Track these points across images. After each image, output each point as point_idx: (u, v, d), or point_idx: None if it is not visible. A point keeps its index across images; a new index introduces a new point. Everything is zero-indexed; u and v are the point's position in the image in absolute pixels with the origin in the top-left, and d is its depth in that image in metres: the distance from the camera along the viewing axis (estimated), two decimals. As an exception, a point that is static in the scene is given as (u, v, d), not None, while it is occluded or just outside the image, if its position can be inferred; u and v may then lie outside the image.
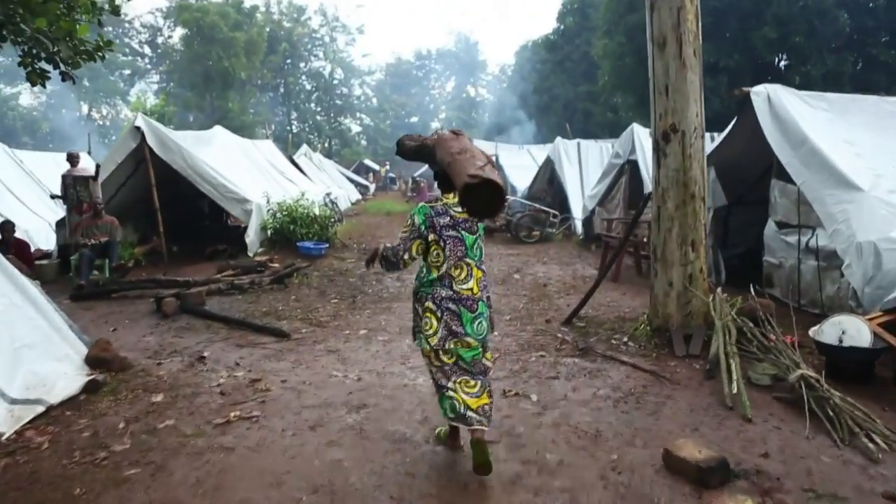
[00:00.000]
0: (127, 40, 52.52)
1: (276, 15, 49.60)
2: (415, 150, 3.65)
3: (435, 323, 3.33)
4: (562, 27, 40.62)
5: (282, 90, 50.44)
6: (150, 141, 10.54)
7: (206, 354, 5.73)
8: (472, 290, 3.39)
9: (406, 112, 65.56)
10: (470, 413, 3.34)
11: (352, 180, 35.29)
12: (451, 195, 3.37)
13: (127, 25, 52.00)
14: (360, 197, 29.81)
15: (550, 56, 39.84)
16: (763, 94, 7.27)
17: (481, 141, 27.41)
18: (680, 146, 5.46)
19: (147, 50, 50.77)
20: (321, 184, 22.92)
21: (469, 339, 3.36)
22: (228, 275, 9.15)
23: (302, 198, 11.68)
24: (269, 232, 11.05)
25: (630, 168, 11.23)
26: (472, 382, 3.44)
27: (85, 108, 50.41)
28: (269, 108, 48.78)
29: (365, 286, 8.85)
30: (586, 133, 26.40)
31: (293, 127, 53.36)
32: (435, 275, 3.35)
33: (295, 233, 10.77)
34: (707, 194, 6.18)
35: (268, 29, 47.87)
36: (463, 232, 3.37)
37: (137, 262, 10.85)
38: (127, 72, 50.82)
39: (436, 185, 3.58)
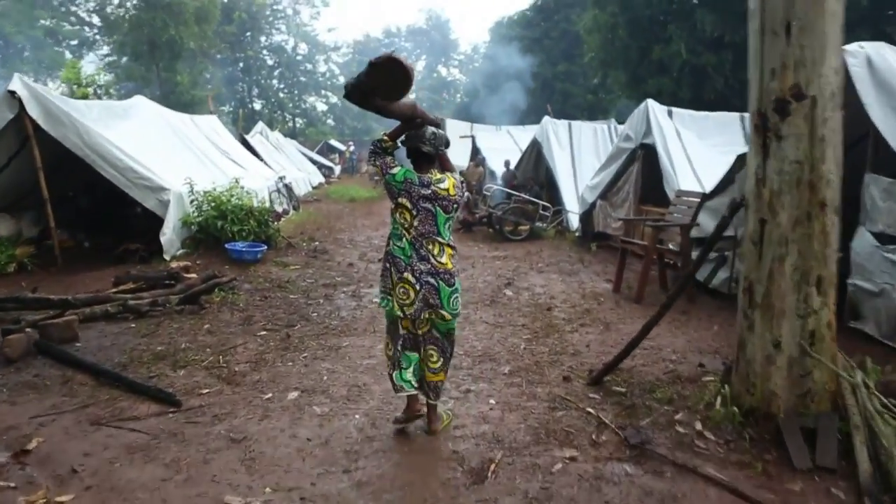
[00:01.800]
0: (74, 8, 48.80)
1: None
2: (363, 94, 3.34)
3: (413, 294, 3.48)
4: (539, 2, 38.44)
5: (241, 65, 47.21)
6: (33, 111, 8.13)
7: (32, 446, 3.52)
8: (446, 265, 3.56)
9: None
10: (426, 387, 3.69)
11: (315, 162, 32.74)
12: (433, 172, 3.58)
13: (76, -6, 48.30)
14: (322, 180, 27.33)
15: (527, 33, 37.65)
16: (861, 57, 5.20)
17: (454, 120, 25.18)
18: (807, 123, 3.30)
19: (96, 20, 47.06)
20: (277, 166, 20.45)
21: (444, 313, 3.55)
22: (125, 290, 6.84)
23: (235, 185, 9.33)
24: (192, 228, 8.71)
25: (644, 154, 9.16)
26: (436, 358, 3.68)
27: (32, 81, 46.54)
28: (226, 83, 45.62)
29: (309, 307, 6.63)
30: (565, 115, 24.31)
31: (254, 104, 50.28)
32: (407, 241, 3.50)
33: (224, 231, 8.45)
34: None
35: (225, 0, 44.69)
36: (438, 209, 3.51)
37: (21, 266, 8.45)
38: (74, 42, 47.16)
39: (409, 163, 3.65)
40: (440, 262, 3.53)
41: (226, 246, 8.15)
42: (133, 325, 5.91)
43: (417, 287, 3.47)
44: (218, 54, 45.96)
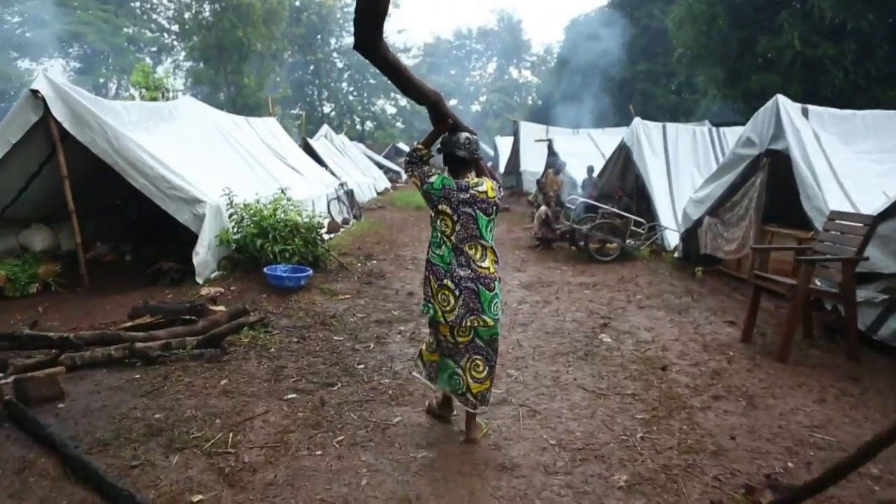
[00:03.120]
0: (155, 16, 50.04)
1: (307, -13, 46.16)
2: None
3: (453, 300, 3.49)
4: (619, -2, 36.34)
5: (311, 68, 47.01)
6: (58, 112, 7.20)
7: None
8: (489, 269, 3.55)
9: (445, 93, 61.14)
10: (470, 396, 3.61)
11: (382, 166, 31.82)
12: (469, 176, 3.63)
13: (155, 1, 49.50)
14: (388, 185, 26.28)
15: (605, 31, 35.55)
16: None
17: (528, 123, 23.62)
18: None
19: (176, 28, 47.90)
20: (340, 170, 19.47)
21: (486, 318, 3.52)
22: (140, 325, 5.71)
23: (281, 197, 8.14)
24: (232, 246, 7.56)
25: (771, 162, 7.40)
26: (482, 367, 3.63)
27: (113, 87, 47.96)
28: (296, 86, 45.52)
29: (355, 354, 5.29)
30: (646, 116, 22.28)
31: (324, 107, 50.09)
32: (447, 247, 3.54)
33: (264, 251, 7.25)
34: None
35: (297, 2, 44.54)
36: (479, 212, 3.52)
37: (46, 286, 7.54)
38: (154, 48, 48.27)
39: (445, 168, 3.69)
40: (481, 267, 3.55)
41: (265, 270, 6.94)
42: (137, 376, 4.73)
43: (457, 293, 3.51)
44: (289, 57, 45.97)
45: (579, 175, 15.14)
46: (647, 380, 4.72)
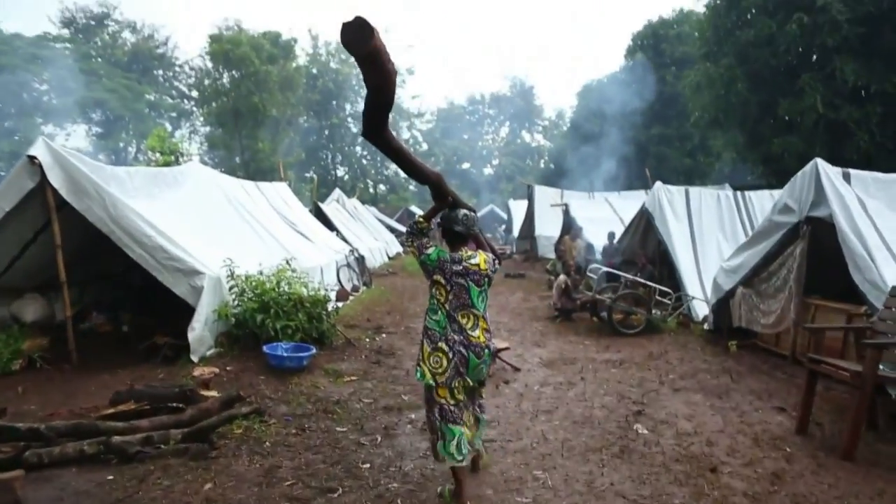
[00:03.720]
0: (177, 83, 51.41)
1: (324, 56, 47.31)
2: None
3: (445, 363, 3.74)
4: (631, 64, 36.73)
5: (326, 133, 47.65)
6: (55, 180, 6.86)
7: None
8: (479, 337, 3.82)
9: (458, 157, 62.32)
10: (472, 447, 3.94)
11: (394, 230, 31.58)
12: (464, 249, 3.90)
13: (177, 69, 50.95)
14: (401, 250, 25.90)
15: (618, 96, 35.82)
16: None
17: (542, 187, 23.36)
18: None
19: (195, 94, 49.07)
20: (351, 235, 19.13)
21: (468, 379, 3.80)
22: (123, 412, 5.15)
23: (285, 269, 7.67)
24: (231, 321, 7.05)
25: (811, 231, 6.87)
26: (468, 416, 3.93)
27: (132, 151, 48.77)
28: (310, 150, 46.03)
29: (360, 450, 4.67)
30: (661, 179, 21.95)
31: (337, 171, 50.51)
32: (443, 314, 3.79)
33: (265, 327, 6.72)
34: None
35: (314, 70, 45.53)
36: (471, 283, 3.81)
37: (30, 362, 7.03)
38: (174, 114, 49.36)
39: (443, 241, 4.03)
40: (472, 336, 3.79)
41: (264, 349, 6.39)
42: (110, 478, 4.15)
43: (450, 355, 3.73)
44: (304, 122, 46.69)
45: (596, 240, 14.67)
46: (695, 485, 4.06)
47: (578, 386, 6.42)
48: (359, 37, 2.53)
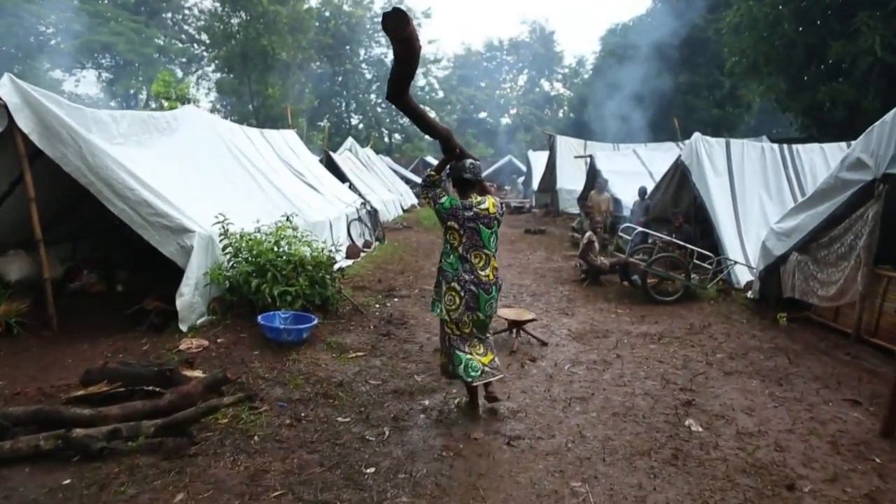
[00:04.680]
0: (186, 27, 49.78)
1: (337, -1, 45.41)
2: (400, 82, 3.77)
3: (458, 300, 4.20)
4: (658, 6, 34.83)
5: (339, 79, 46.14)
6: (24, 123, 6.06)
7: None
8: (489, 276, 4.25)
9: (475, 106, 60.60)
10: (486, 369, 4.35)
11: (409, 181, 30.63)
12: (474, 196, 4.29)
13: (186, 12, 49.24)
14: (415, 202, 25.03)
15: (644, 41, 34.01)
16: None
17: (565, 137, 22.22)
18: None
19: (205, 38, 47.42)
20: (364, 186, 18.29)
21: (480, 314, 4.26)
22: (92, 394, 4.48)
23: (285, 226, 6.85)
24: (224, 285, 6.31)
25: (889, 190, 5.94)
26: (481, 348, 4.39)
27: (143, 97, 47.62)
28: (324, 97, 44.68)
29: (364, 448, 3.96)
30: (686, 131, 20.78)
31: (352, 119, 49.20)
32: (455, 256, 4.22)
33: (261, 293, 5.97)
34: None
35: (327, 13, 43.75)
36: (481, 226, 4.22)
37: (8, 327, 6.37)
38: (184, 59, 47.99)
39: (451, 187, 4.39)
40: (483, 274, 4.23)
41: (260, 320, 5.64)
42: (67, 482, 3.50)
43: (462, 294, 4.20)
44: (318, 68, 45.15)
45: (624, 195, 13.72)
46: (771, 506, 3.31)
47: (615, 366, 5.65)
48: (398, 23, 3.25)
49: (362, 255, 11.96)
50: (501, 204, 4.38)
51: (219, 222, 6.37)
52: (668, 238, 8.99)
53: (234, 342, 5.69)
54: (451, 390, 4.94)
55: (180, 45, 48.74)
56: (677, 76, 32.06)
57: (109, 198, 6.21)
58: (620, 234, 9.59)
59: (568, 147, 20.72)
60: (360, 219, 13.15)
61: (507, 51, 66.02)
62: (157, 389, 4.45)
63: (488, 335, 4.50)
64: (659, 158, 15.83)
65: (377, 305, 7.54)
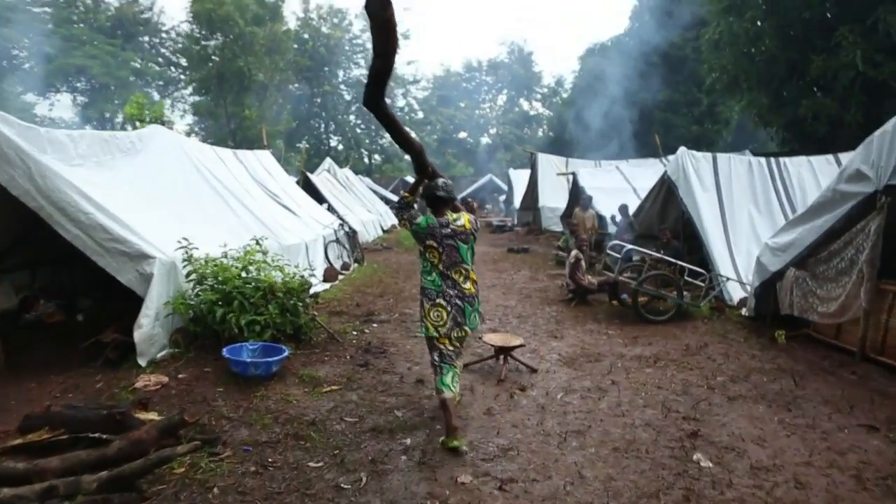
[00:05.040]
0: (163, 50, 49.23)
1: (315, 20, 45.29)
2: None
3: (445, 315, 4.24)
4: (636, 26, 35.11)
5: (318, 100, 45.85)
6: (-34, 143, 5.57)
7: None
8: (469, 289, 4.34)
9: (454, 126, 60.57)
10: (457, 383, 4.41)
11: (389, 201, 30.23)
12: (448, 213, 4.35)
13: (164, 36, 48.71)
14: (395, 222, 24.58)
15: (623, 60, 34.20)
16: None
17: (546, 155, 22.04)
18: None
19: (183, 61, 46.84)
20: (342, 207, 17.88)
21: (467, 328, 4.33)
22: (31, 443, 3.98)
23: (253, 250, 6.40)
24: (189, 314, 5.83)
25: (892, 203, 5.66)
26: (457, 364, 4.42)
27: (119, 120, 46.76)
28: (303, 118, 44.32)
29: (338, 497, 3.51)
30: (665, 148, 20.71)
31: (331, 140, 48.86)
32: (436, 273, 4.26)
33: (228, 324, 5.51)
34: None
35: (305, 35, 43.56)
36: (459, 242, 4.29)
37: (-50, 366, 5.82)
38: (161, 82, 47.41)
39: (428, 209, 4.44)
40: (465, 289, 4.31)
41: (225, 353, 5.17)
42: (-9, 551, 2.98)
43: (448, 309, 4.24)
44: (297, 90, 44.81)
45: (607, 212, 13.44)
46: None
47: (611, 393, 5.25)
48: (379, 4, 3.26)
49: (340, 277, 11.52)
50: (475, 219, 4.50)
51: (182, 247, 5.91)
52: (658, 255, 8.65)
53: (197, 377, 5.21)
54: (434, 426, 4.51)
55: (157, 68, 48.21)
56: (656, 94, 32.22)
57: (61, 222, 5.72)
58: (608, 251, 9.24)
59: (549, 165, 20.51)
60: (337, 240, 12.71)
61: (486, 71, 66.31)
62: (104, 437, 3.96)
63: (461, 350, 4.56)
64: (642, 174, 15.61)
65: (354, 333, 7.07)
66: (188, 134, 37.75)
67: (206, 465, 3.80)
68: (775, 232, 7.56)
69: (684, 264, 8.33)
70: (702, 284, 8.35)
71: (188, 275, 5.91)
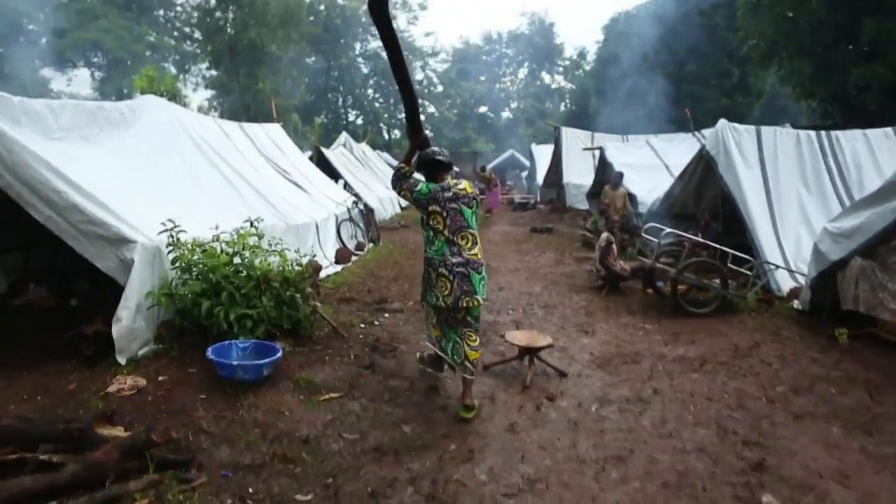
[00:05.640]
0: (178, 24, 48.48)
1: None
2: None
3: (449, 285, 4.18)
4: (664, -9, 33.58)
5: (335, 73, 44.93)
6: (-77, 113, 4.94)
7: None
8: (476, 255, 4.28)
9: (474, 100, 59.38)
10: (468, 363, 4.30)
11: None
12: (448, 178, 4.38)
13: (179, 10, 47.91)
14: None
15: (649, 30, 32.81)
16: None
17: (571, 129, 21.09)
18: None
19: (198, 35, 46.03)
20: (359, 184, 17.20)
21: (478, 298, 4.24)
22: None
23: (247, 233, 5.70)
24: (175, 306, 5.19)
25: None
26: (474, 337, 4.40)
27: (136, 95, 46.19)
28: (320, 92, 43.50)
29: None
30: (696, 123, 19.65)
31: (349, 115, 48.02)
32: (441, 241, 4.23)
33: (216, 318, 4.85)
34: None
35: (321, 7, 42.50)
36: (462, 206, 4.27)
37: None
38: (177, 56, 46.74)
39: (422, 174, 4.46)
40: (471, 254, 4.24)
41: (209, 354, 4.51)
42: None
43: (451, 278, 4.18)
44: (313, 63, 43.91)
45: (638, 190, 12.59)
46: None
47: (653, 405, 4.53)
48: None
49: (354, 258, 10.87)
50: (475, 186, 4.42)
51: (167, 230, 5.25)
52: (699, 239, 7.85)
53: (180, 380, 4.57)
54: (447, 445, 3.84)
55: (173, 42, 47.49)
56: (684, 65, 30.92)
57: (32, 202, 5.08)
58: (644, 234, 8.44)
59: (575, 139, 19.55)
60: (351, 219, 12.03)
61: (506, 43, 64.87)
62: (54, 460, 3.33)
63: (478, 324, 4.52)
64: (674, 150, 14.69)
65: (362, 325, 6.38)
66: (208, 108, 37.21)
67: (174, 496, 3.15)
68: (837, 215, 6.71)
69: (728, 250, 7.50)
70: (747, 273, 7.54)
71: (174, 261, 5.25)
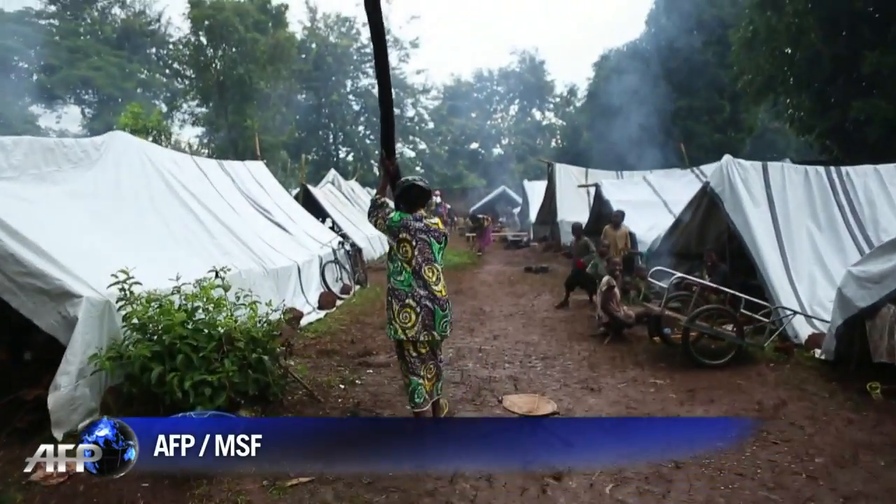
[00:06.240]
0: (170, 61, 48.47)
1: (322, 29, 44.34)
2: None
3: (414, 317, 4.19)
4: (653, 30, 33.77)
5: (325, 111, 44.80)
6: None
7: None
8: (441, 292, 4.30)
9: (465, 136, 59.37)
10: (427, 397, 4.34)
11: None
12: (422, 210, 4.44)
13: (171, 47, 47.93)
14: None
15: (640, 66, 32.86)
16: None
17: (564, 165, 20.73)
18: None
19: (190, 73, 45.95)
20: (346, 222, 16.66)
21: (435, 334, 4.26)
22: None
23: (209, 285, 5.05)
24: (124, 368, 4.53)
25: None
26: (432, 367, 4.41)
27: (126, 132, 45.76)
28: (310, 129, 43.30)
29: None
30: (690, 159, 19.34)
31: (339, 152, 47.81)
32: (408, 273, 4.22)
33: (170, 386, 4.19)
34: None
35: (313, 45, 42.60)
36: (432, 238, 4.32)
37: None
38: (168, 94, 46.58)
39: (400, 204, 4.45)
40: (436, 290, 4.26)
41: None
42: None
43: (418, 310, 4.18)
44: (305, 100, 43.81)
45: (636, 229, 12.08)
46: None
47: (676, 483, 3.88)
48: None
49: (339, 303, 10.25)
50: (446, 224, 3.94)
51: (118, 282, 4.62)
52: (707, 283, 7.29)
53: (121, 464, 3.89)
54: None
55: (164, 79, 47.39)
56: (676, 101, 30.89)
57: (-39, 251, 4.48)
58: (650, 279, 7.89)
59: (568, 176, 19.16)
60: (336, 261, 11.43)
61: (497, 81, 65.20)
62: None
63: (440, 357, 4.59)
64: (672, 186, 14.25)
65: (342, 386, 5.70)
66: (198, 146, 36.84)
67: None
68: (862, 258, 6.18)
69: (742, 295, 6.92)
70: (760, 318, 6.96)
71: (125, 318, 4.61)
